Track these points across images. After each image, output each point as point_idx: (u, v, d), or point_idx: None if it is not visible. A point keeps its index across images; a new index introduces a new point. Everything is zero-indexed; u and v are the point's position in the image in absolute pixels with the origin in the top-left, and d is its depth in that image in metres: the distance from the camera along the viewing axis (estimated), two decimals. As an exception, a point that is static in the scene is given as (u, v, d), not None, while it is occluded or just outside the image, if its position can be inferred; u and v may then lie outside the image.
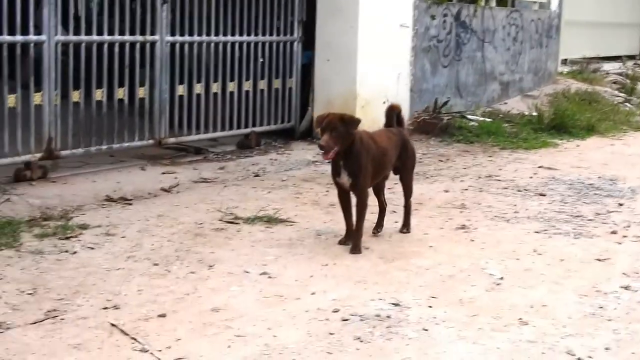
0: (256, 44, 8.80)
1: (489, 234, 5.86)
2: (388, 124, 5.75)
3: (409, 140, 5.80)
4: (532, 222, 6.18)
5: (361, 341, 3.91)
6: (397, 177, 5.81)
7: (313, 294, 4.53)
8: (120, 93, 7.58)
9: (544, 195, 7.07)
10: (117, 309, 4.19)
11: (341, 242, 5.42)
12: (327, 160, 5.31)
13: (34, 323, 3.99)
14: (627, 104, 13.18)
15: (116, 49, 7.47)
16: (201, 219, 5.92)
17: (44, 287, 4.46)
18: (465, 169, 8.17)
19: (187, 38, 8.11)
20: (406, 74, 9.80)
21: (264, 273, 4.81)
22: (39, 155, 6.93)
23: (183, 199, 6.53)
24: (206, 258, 5.05)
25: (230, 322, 4.07)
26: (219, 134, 8.64)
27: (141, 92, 7.75)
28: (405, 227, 5.80)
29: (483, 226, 6.05)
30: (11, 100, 6.69)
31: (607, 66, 16.19)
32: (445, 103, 10.31)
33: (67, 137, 7.14)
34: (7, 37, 6.60)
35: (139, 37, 7.68)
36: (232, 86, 8.60)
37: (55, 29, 6.93)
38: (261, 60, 8.87)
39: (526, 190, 7.27)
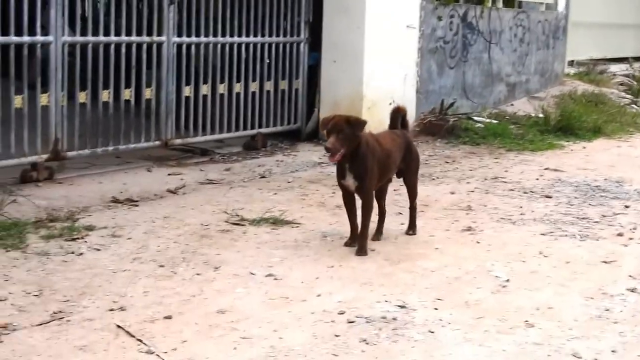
0: (263, 45, 8.80)
1: (494, 236, 5.86)
2: (392, 126, 5.75)
3: (412, 143, 5.79)
4: (538, 224, 6.17)
5: (367, 343, 3.91)
6: (402, 179, 5.81)
7: (319, 295, 4.52)
8: (127, 94, 7.59)
9: (550, 197, 7.06)
10: (123, 310, 4.20)
11: (347, 244, 5.41)
12: (333, 163, 5.31)
13: (40, 324, 3.99)
14: (633, 105, 13.14)
15: (123, 50, 7.47)
16: (207, 220, 5.92)
17: (50, 288, 4.47)
18: (471, 170, 8.15)
19: (193, 39, 8.11)
20: (412, 75, 9.79)
21: (270, 275, 4.81)
22: (45, 156, 6.93)
23: (189, 200, 6.54)
24: (212, 260, 5.06)
25: (236, 324, 4.08)
26: (225, 135, 8.64)
27: (148, 93, 7.75)
28: (411, 229, 5.80)
29: (489, 228, 6.04)
30: (18, 101, 6.69)
31: (614, 68, 16.16)
32: (452, 104, 10.28)
33: (73, 138, 7.15)
34: (14, 38, 6.61)
35: (145, 38, 7.69)
36: (238, 87, 8.60)
37: (62, 30, 6.94)
38: (267, 61, 8.87)
39: (532, 192, 7.25)
